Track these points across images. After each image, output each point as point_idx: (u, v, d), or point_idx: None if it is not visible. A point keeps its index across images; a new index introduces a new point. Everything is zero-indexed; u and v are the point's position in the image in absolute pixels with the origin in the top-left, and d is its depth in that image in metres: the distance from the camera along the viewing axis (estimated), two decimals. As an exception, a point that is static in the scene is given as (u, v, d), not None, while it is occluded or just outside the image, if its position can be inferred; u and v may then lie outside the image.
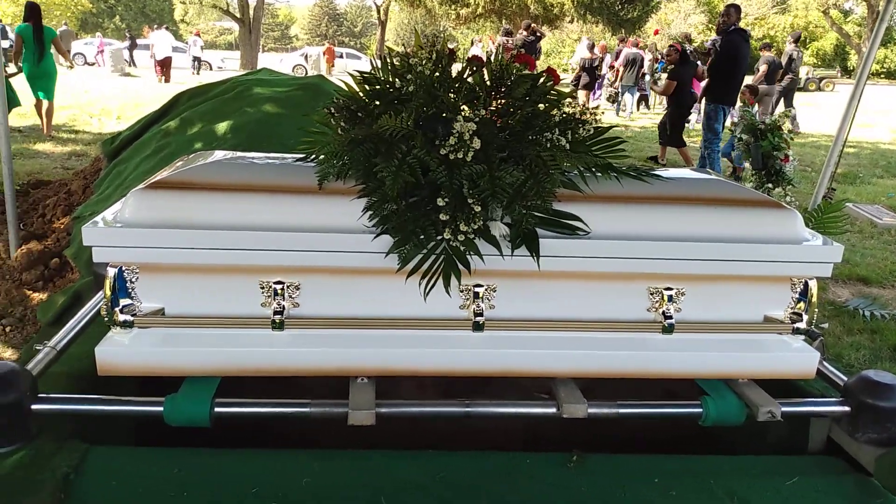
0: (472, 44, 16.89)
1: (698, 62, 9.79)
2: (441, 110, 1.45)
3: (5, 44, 10.36)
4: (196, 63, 26.08)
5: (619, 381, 1.58)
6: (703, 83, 8.15)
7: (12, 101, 8.32)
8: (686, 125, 9.10)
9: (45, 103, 9.45)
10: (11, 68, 9.10)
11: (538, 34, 16.10)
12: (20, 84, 8.99)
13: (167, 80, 20.49)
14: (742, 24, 8.17)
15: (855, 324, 4.24)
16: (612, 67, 17.02)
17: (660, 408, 1.61)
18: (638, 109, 17.07)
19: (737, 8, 8.00)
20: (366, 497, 1.36)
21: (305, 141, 1.62)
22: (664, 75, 9.09)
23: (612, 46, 20.23)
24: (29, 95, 9.38)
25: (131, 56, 26.01)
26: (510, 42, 13.44)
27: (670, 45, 10.27)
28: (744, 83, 8.33)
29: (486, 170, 1.38)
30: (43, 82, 9.24)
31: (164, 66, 20.85)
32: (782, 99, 12.83)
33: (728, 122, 8.28)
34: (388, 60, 1.55)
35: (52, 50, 9.40)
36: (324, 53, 30.03)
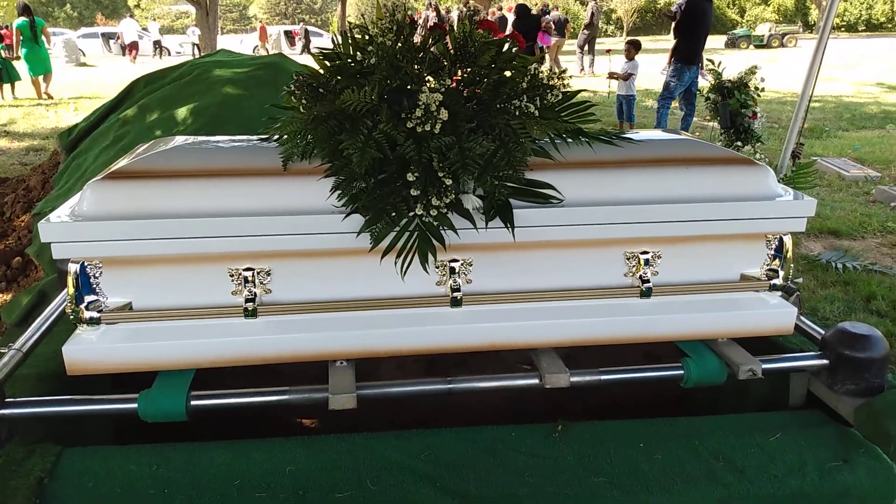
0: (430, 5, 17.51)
1: (547, 14, 13.37)
2: (405, 82, 1.41)
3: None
4: (156, 46, 29.28)
5: (601, 348, 1.58)
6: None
7: (13, 76, 12.73)
8: None
9: (44, 77, 12.75)
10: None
11: (474, 9, 17.39)
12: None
13: (133, 61, 24.20)
14: None
15: (828, 277, 4.30)
16: None
17: (641, 372, 1.60)
18: None
19: None
20: (350, 480, 1.34)
21: (272, 120, 1.57)
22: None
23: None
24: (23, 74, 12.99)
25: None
26: (429, 17, 14.20)
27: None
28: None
29: (454, 141, 1.35)
30: (39, 62, 12.59)
31: (132, 48, 25.23)
32: (586, 46, 17.67)
33: (701, 83, 8.51)
34: (349, 35, 1.50)
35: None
36: (259, 32, 30.68)
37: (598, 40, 19.14)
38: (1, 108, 11.51)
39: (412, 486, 1.34)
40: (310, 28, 34.68)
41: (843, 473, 1.40)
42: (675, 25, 8.50)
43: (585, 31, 17.89)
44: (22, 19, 12.31)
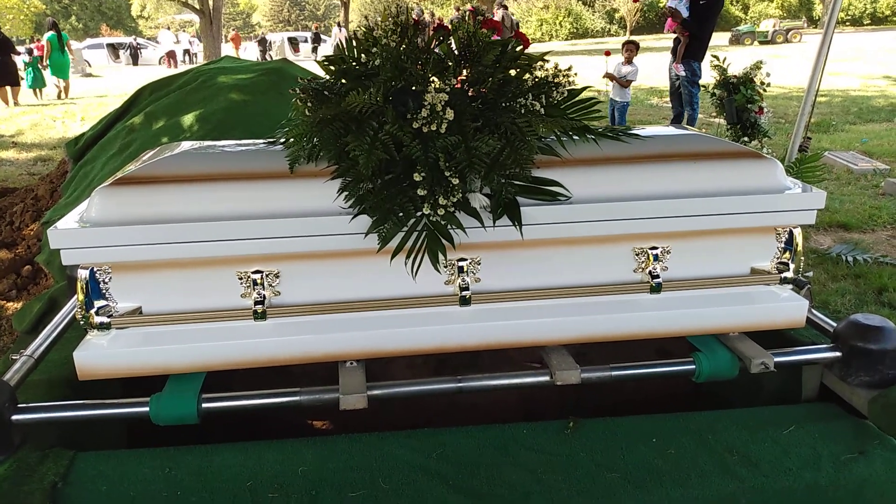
0: (339, 27, 17.45)
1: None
2: (410, 83, 1.41)
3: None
4: (186, 54, 31.78)
5: (612, 345, 1.57)
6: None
7: (42, 83, 15.24)
8: None
9: (63, 82, 15.47)
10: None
11: (465, 14, 18.68)
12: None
13: (175, 67, 26.46)
14: None
15: (839, 270, 4.27)
16: None
17: (653, 368, 1.60)
18: None
19: None
20: (362, 480, 1.34)
21: (278, 124, 1.57)
22: None
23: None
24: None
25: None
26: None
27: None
28: None
29: (461, 140, 1.35)
30: (62, 70, 15.32)
31: (170, 57, 28.03)
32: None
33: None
34: (353, 38, 1.50)
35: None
36: (232, 41, 31.18)
37: (601, 41, 19.98)
38: (9, 120, 11.76)
39: (425, 484, 1.33)
40: (312, 34, 34.88)
41: (860, 466, 1.39)
42: (695, 18, 7.47)
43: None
44: (51, 33, 15.14)
